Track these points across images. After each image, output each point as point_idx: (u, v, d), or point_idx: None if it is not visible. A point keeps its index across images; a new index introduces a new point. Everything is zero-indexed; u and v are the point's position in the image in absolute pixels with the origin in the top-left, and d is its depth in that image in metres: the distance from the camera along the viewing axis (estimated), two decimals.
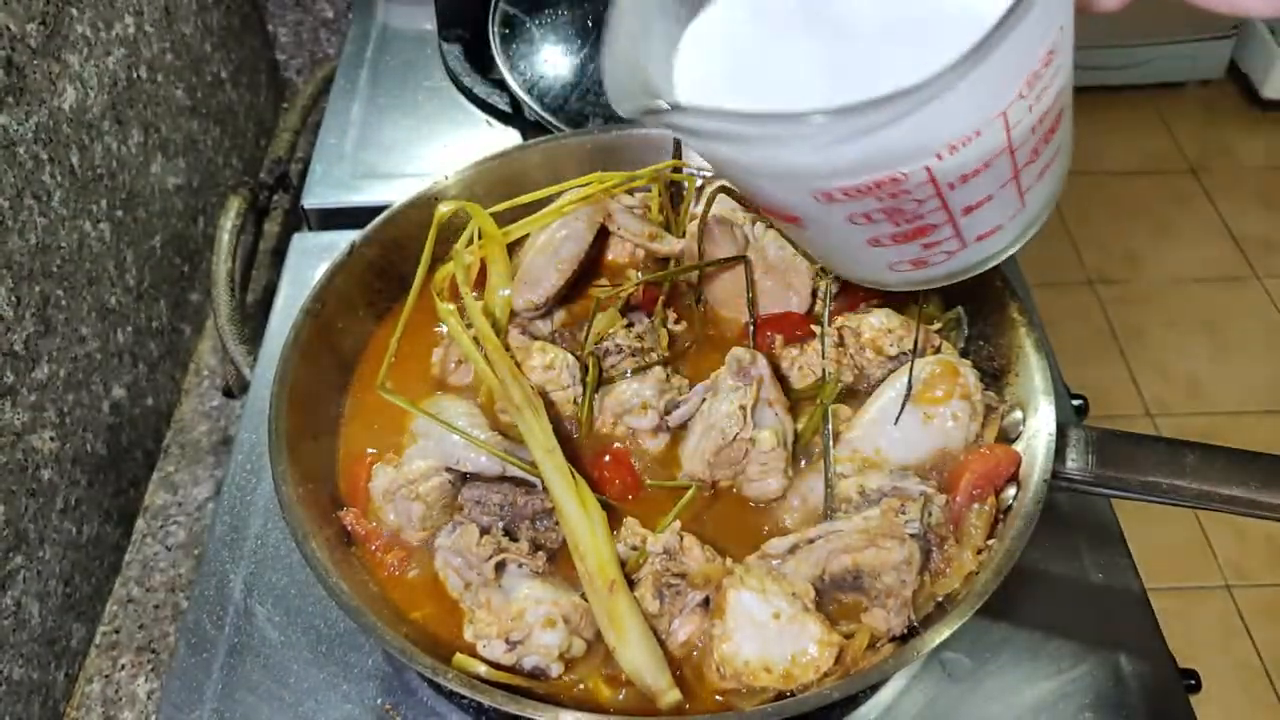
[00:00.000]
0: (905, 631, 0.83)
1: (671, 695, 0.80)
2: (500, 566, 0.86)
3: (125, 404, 1.32)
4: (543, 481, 0.87)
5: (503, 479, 0.91)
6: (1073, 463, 0.89)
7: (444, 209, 0.99)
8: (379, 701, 0.92)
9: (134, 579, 1.26)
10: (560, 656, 0.82)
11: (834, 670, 0.80)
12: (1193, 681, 0.96)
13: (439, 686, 0.92)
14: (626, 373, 0.99)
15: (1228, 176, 3.37)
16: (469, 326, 0.96)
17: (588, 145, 1.18)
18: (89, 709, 1.15)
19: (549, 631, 0.81)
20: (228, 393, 1.46)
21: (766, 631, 0.80)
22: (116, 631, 1.21)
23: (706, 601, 0.84)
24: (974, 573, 0.85)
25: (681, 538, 0.86)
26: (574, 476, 0.86)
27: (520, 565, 0.86)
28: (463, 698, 0.89)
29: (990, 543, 0.87)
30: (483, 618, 0.83)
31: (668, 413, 0.97)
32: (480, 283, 1.06)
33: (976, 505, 0.88)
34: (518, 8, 1.52)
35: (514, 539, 0.89)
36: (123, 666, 1.18)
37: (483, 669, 0.80)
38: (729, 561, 0.86)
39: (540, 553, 0.88)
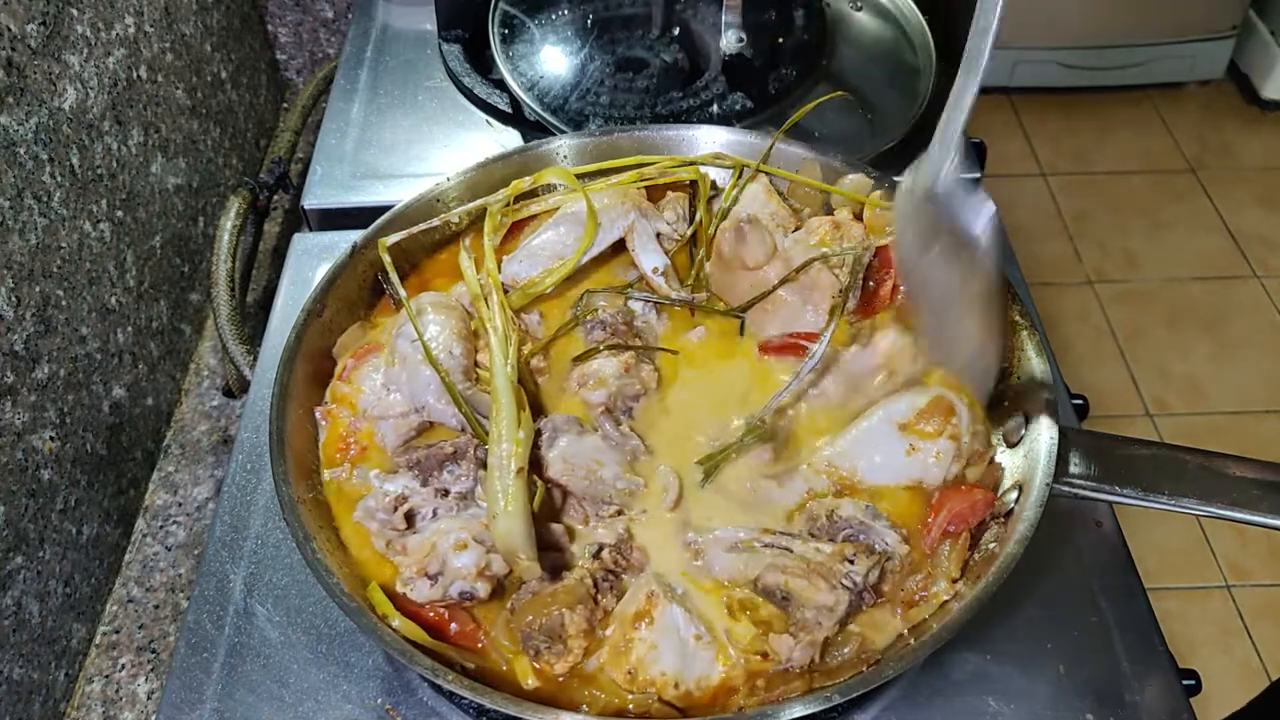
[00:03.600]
0: (805, 666, 0.83)
1: (533, 568, 0.82)
2: (410, 516, 0.89)
3: (125, 404, 1.32)
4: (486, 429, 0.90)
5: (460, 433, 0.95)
6: (1074, 468, 0.89)
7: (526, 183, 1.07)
8: (379, 701, 0.92)
9: (134, 579, 1.26)
10: (480, 573, 0.84)
11: (737, 694, 0.82)
12: (1193, 681, 0.96)
13: (439, 686, 0.92)
14: (600, 349, 1.00)
15: (1227, 176, 3.37)
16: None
17: (588, 145, 1.18)
18: (89, 709, 1.15)
19: (462, 554, 0.84)
20: (228, 393, 1.46)
21: (687, 649, 0.82)
22: (116, 631, 1.22)
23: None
24: (947, 602, 0.85)
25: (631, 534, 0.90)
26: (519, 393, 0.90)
27: (431, 511, 0.89)
28: (463, 698, 0.89)
29: (1005, 499, 0.88)
30: (403, 562, 0.85)
31: (622, 409, 0.99)
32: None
33: (949, 541, 0.88)
34: (518, 8, 1.52)
35: (424, 485, 0.91)
36: (123, 666, 1.18)
37: (393, 612, 0.83)
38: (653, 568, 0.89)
39: (449, 497, 0.90)
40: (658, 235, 1.10)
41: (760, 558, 0.87)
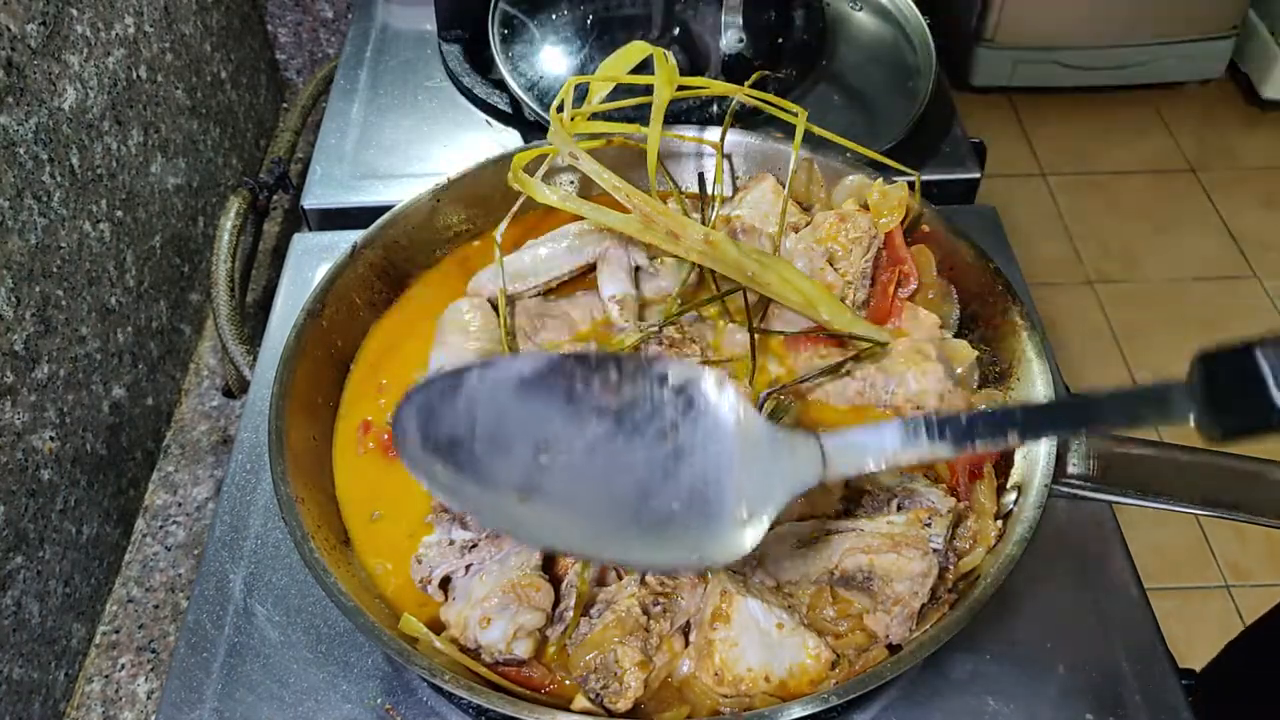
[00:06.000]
0: (900, 642, 0.83)
1: None
2: (446, 581, 0.88)
3: (125, 404, 1.32)
4: None
5: None
6: (1074, 468, 0.88)
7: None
8: (379, 701, 0.92)
9: (134, 579, 1.26)
10: (515, 636, 0.83)
11: (829, 678, 0.80)
12: (1192, 681, 0.96)
13: (439, 686, 0.92)
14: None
15: (1227, 176, 3.37)
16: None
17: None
18: (89, 709, 1.15)
19: (489, 630, 0.83)
20: (228, 393, 1.46)
21: (770, 640, 0.81)
22: (116, 631, 1.22)
23: (686, 626, 0.85)
24: (996, 544, 0.86)
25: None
26: None
27: (464, 568, 0.88)
28: (462, 698, 0.89)
29: (1005, 501, 0.89)
30: (448, 634, 0.85)
31: None
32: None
33: (977, 482, 0.90)
34: (518, 8, 1.52)
35: (465, 526, 0.90)
36: (123, 666, 1.18)
37: (427, 638, 0.83)
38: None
39: (480, 546, 0.88)
40: (636, 268, 1.09)
41: (832, 546, 0.85)
